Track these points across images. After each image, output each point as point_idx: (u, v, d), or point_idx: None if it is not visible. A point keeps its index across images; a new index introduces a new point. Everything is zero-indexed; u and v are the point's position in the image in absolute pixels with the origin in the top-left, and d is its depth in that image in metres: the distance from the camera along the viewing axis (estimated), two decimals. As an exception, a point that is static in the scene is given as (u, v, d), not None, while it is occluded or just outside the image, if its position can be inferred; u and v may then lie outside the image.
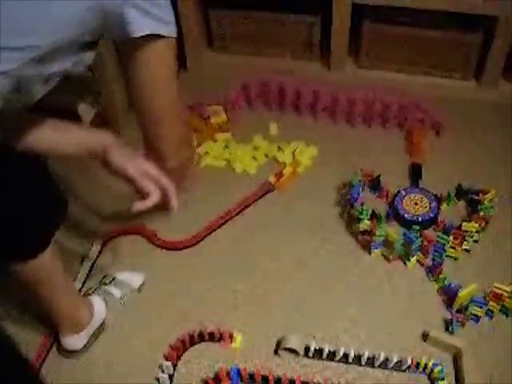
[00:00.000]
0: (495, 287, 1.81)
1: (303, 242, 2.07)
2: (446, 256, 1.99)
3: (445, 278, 1.92)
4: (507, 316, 1.86)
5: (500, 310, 1.86)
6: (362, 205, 2.05)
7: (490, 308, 1.84)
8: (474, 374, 1.70)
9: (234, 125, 2.47)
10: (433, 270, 1.95)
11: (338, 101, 2.46)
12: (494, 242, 2.05)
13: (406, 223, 2.07)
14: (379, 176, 2.17)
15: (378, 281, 1.96)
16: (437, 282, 1.94)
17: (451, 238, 1.95)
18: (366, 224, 1.99)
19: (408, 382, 1.72)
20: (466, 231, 1.98)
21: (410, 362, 1.72)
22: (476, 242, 2.03)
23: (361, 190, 2.16)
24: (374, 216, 2.03)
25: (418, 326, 1.83)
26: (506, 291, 1.80)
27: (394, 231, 1.96)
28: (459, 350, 1.75)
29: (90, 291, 1.86)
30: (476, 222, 2.00)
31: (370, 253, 2.02)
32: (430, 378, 1.73)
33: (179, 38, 2.56)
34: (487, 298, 1.82)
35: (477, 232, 2.01)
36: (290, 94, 2.51)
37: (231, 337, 1.81)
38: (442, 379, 1.70)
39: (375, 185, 2.18)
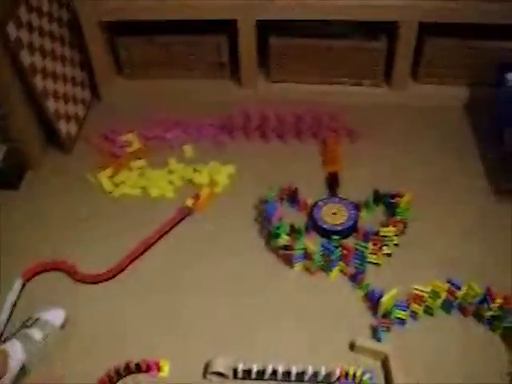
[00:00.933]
0: (415, 289, 1.82)
1: (225, 264, 2.04)
2: (368, 262, 2.00)
3: (368, 285, 1.92)
4: (432, 315, 1.87)
5: (424, 311, 1.88)
6: (279, 220, 2.05)
7: (414, 310, 1.85)
8: (403, 378, 1.70)
9: (149, 151, 2.45)
10: (355, 278, 1.96)
11: (250, 118, 2.49)
12: (415, 243, 2.07)
13: (326, 234, 2.07)
14: (296, 189, 2.17)
15: (303, 294, 1.95)
16: (360, 289, 1.94)
17: (370, 244, 1.96)
18: (284, 239, 1.98)
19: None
20: (385, 236, 1.99)
21: (338, 373, 1.71)
22: (397, 245, 2.05)
23: (278, 204, 2.15)
24: (292, 230, 2.02)
25: (346, 336, 1.83)
26: (427, 292, 1.81)
27: (312, 243, 1.96)
28: (386, 356, 1.75)
29: (10, 336, 1.81)
30: (394, 226, 2.01)
31: (292, 267, 2.01)
32: (359, 387, 1.73)
33: (89, 67, 2.60)
34: (409, 301, 1.83)
35: (396, 235, 2.02)
36: (204, 116, 2.52)
37: (158, 366, 1.77)
38: (371, 387, 1.70)
39: (293, 198, 2.18)
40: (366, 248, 1.95)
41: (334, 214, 2.11)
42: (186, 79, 2.69)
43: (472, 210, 2.18)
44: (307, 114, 2.46)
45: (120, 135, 2.50)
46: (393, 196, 2.13)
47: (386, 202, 2.16)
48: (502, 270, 1.98)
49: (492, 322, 1.83)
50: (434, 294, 1.83)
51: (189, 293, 1.97)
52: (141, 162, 2.39)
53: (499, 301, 1.79)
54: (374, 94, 2.62)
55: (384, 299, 1.80)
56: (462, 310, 1.87)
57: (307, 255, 1.97)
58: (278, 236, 1.99)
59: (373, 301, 1.89)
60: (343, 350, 1.81)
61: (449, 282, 1.83)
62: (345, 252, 1.95)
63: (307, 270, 2.00)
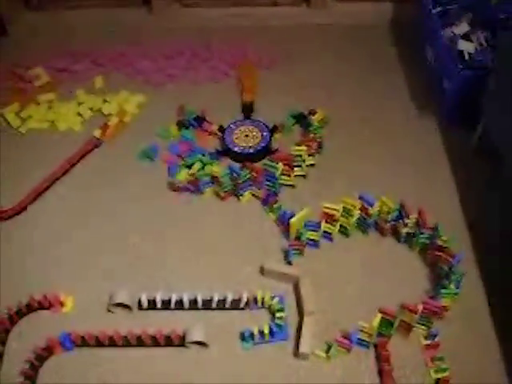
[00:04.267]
0: (324, 207, 1.73)
1: (134, 197, 1.96)
2: (282, 185, 1.91)
3: (280, 207, 1.83)
4: (348, 236, 1.80)
5: (340, 232, 1.80)
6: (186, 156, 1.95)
7: (326, 230, 1.77)
8: (315, 300, 1.63)
9: (58, 84, 2.32)
10: (267, 201, 1.87)
11: (162, 47, 2.40)
12: (331, 163, 1.99)
13: (239, 157, 1.97)
14: (203, 112, 2.09)
15: (213, 220, 1.87)
16: (272, 212, 1.86)
17: (280, 164, 1.86)
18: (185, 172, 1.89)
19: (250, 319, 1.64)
20: (297, 156, 1.89)
21: (246, 298, 1.64)
22: (313, 165, 1.96)
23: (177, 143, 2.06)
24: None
25: (257, 261, 1.75)
26: (338, 210, 1.73)
27: (217, 167, 1.86)
28: (297, 279, 1.68)
29: None
30: (307, 145, 1.91)
31: (201, 193, 1.92)
32: (270, 311, 1.65)
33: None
34: (320, 221, 1.74)
35: (311, 155, 1.93)
36: (115, 46, 2.42)
37: (60, 302, 1.69)
38: (281, 310, 1.62)
39: (200, 121, 2.09)
40: (275, 168, 1.85)
41: (246, 136, 2.01)
42: (95, 8, 2.55)
43: (390, 126, 2.11)
44: (221, 40, 2.38)
45: (28, 69, 2.36)
46: (305, 115, 2.05)
47: (302, 122, 2.06)
48: (417, 185, 1.93)
49: (409, 240, 1.76)
50: (347, 212, 1.75)
51: (94, 227, 1.88)
52: (49, 96, 2.27)
53: (414, 216, 1.71)
54: (292, 15, 2.50)
55: (294, 219, 1.72)
56: (379, 229, 1.80)
57: (215, 180, 1.87)
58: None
59: (284, 223, 1.80)
60: (252, 274, 1.74)
61: (361, 198, 1.76)
62: (254, 174, 1.85)
63: (217, 195, 1.91)
